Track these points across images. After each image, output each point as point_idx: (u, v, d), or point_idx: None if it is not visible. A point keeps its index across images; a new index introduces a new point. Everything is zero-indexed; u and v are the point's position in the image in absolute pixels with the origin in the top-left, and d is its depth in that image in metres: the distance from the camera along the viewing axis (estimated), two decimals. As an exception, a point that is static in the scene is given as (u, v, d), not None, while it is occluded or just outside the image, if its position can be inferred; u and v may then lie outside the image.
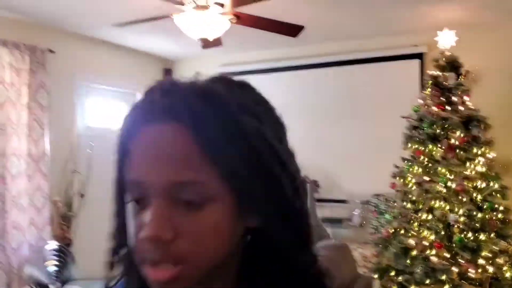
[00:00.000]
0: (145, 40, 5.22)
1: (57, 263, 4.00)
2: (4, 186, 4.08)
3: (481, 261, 3.45)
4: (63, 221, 4.56)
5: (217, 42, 3.84)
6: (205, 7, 3.16)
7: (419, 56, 4.83)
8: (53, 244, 3.87)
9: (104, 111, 5.52)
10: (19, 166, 4.19)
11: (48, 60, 4.49)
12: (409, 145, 3.91)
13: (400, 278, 3.73)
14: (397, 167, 3.99)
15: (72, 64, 4.93)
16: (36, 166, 4.33)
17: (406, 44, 4.87)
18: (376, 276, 3.84)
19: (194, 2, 3.14)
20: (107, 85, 5.44)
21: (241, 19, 3.36)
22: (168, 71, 6.27)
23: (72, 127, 4.92)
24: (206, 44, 3.82)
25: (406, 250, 3.74)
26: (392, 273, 3.80)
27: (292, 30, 3.48)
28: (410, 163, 3.90)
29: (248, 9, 3.37)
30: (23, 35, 4.34)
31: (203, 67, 5.42)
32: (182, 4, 3.15)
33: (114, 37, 5.09)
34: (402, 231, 3.79)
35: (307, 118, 5.37)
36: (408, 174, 3.86)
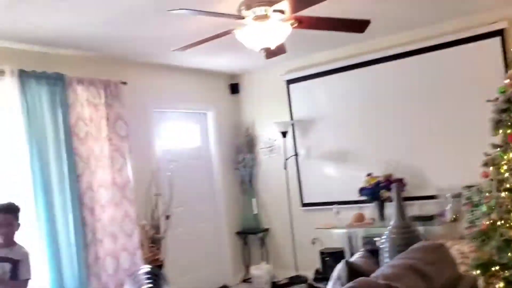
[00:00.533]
0: (209, 58, 5.29)
1: (151, 285, 4.10)
2: (95, 217, 4.27)
3: None
4: (153, 244, 4.69)
5: (280, 50, 3.80)
6: (265, 17, 3.13)
7: (499, 33, 4.48)
8: (145, 268, 3.97)
9: (179, 133, 5.66)
10: (106, 196, 4.37)
11: (121, 91, 4.67)
12: (499, 130, 3.60)
13: (506, 272, 3.43)
14: (488, 154, 3.69)
15: (144, 92, 5.10)
16: (122, 194, 4.50)
17: (483, 23, 4.53)
18: (477, 272, 3.57)
19: (253, 13, 3.12)
20: (179, 108, 5.58)
21: (303, 23, 3.28)
22: (234, 86, 6.31)
23: (151, 152, 5.07)
24: (270, 53, 3.79)
25: (509, 242, 3.45)
26: (496, 268, 3.51)
27: (358, 25, 3.36)
28: (502, 149, 3.59)
29: (308, 12, 3.29)
30: (96, 71, 4.55)
31: (269, 77, 5.46)
32: (242, 17, 3.14)
33: (180, 60, 5.21)
34: (502, 222, 3.50)
35: (385, 114, 5.18)
36: (502, 162, 3.56)
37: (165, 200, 4.98)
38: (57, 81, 4.13)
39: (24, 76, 3.90)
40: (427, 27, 4.84)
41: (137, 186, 4.68)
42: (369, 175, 4.95)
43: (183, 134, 5.73)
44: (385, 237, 2.76)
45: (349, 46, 5.37)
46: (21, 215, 3.29)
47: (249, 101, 6.28)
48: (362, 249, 2.83)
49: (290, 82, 5.87)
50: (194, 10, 2.74)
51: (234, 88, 6.31)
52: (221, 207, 5.97)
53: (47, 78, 4.07)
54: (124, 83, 4.75)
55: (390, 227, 2.83)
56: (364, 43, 5.25)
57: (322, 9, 3.34)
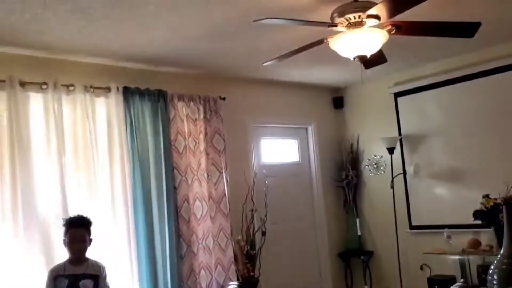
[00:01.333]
0: (310, 72, 5.15)
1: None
2: (191, 229, 4.31)
3: None
4: (247, 260, 4.61)
5: (380, 59, 3.53)
6: (359, 24, 2.91)
7: None
8: (235, 284, 3.90)
9: (278, 148, 5.56)
10: (202, 209, 4.40)
11: (220, 107, 4.72)
12: None
13: None
14: None
15: (243, 107, 5.10)
16: (217, 208, 4.50)
17: None
18: None
19: (347, 20, 2.92)
20: (278, 122, 5.49)
21: (402, 29, 3.00)
22: (337, 100, 6.08)
23: (247, 167, 5.04)
24: (368, 63, 3.53)
25: None
26: None
27: (466, 29, 2.98)
28: None
29: (408, 17, 3.00)
30: (196, 87, 4.65)
31: (375, 90, 5.13)
32: (335, 25, 2.95)
33: (279, 75, 5.14)
34: None
35: (504, 128, 4.60)
36: None
37: (261, 216, 4.89)
38: (159, 97, 4.29)
39: (128, 92, 4.10)
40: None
41: (233, 201, 4.66)
42: (485, 196, 4.38)
43: (283, 149, 5.63)
44: (493, 267, 2.35)
45: (462, 55, 4.88)
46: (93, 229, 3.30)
47: (354, 116, 6.00)
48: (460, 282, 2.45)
49: (398, 95, 5.49)
50: (281, 18, 2.63)
51: (338, 102, 6.08)
52: (321, 226, 5.73)
53: (150, 95, 4.24)
54: (223, 98, 4.79)
55: (500, 256, 2.41)
56: (480, 52, 4.74)
57: (426, 15, 3.05)
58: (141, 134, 4.14)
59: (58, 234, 3.39)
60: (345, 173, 5.83)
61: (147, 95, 4.23)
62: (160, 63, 4.28)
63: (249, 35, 3.69)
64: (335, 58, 4.51)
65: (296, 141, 5.77)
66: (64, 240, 3.17)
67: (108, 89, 4.01)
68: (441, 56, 4.93)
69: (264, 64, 3.44)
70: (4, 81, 3.46)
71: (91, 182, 3.78)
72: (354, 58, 3.01)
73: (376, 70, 5.08)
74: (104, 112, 4.00)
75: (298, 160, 5.76)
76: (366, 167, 5.79)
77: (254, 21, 2.65)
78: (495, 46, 4.60)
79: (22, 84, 3.55)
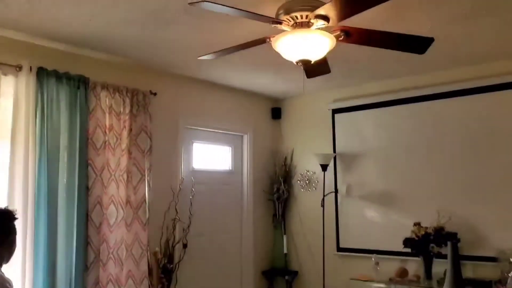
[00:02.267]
0: (250, 78, 4.87)
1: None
2: (101, 236, 3.85)
3: None
4: (163, 274, 4.20)
5: (323, 69, 3.30)
6: (306, 24, 2.65)
7: None
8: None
9: (210, 154, 5.21)
10: (117, 214, 3.95)
11: (150, 102, 4.31)
12: None
13: None
14: None
15: (175, 106, 4.72)
16: (135, 214, 4.06)
17: None
18: None
19: (293, 19, 2.65)
20: (213, 127, 5.15)
21: (351, 36, 2.77)
22: (276, 110, 5.85)
23: (175, 172, 4.64)
24: (310, 71, 3.29)
25: None
26: None
27: (418, 44, 2.80)
28: None
29: (357, 22, 2.79)
30: (124, 78, 4.21)
31: (314, 104, 4.91)
32: (280, 22, 2.67)
33: (218, 77, 4.82)
34: None
35: (440, 157, 4.52)
36: None
37: (184, 227, 4.50)
38: (79, 84, 3.81)
39: (43, 74, 3.60)
40: (502, 60, 4.20)
41: (153, 208, 4.24)
42: (417, 224, 4.28)
43: (214, 156, 5.28)
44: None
45: (404, 78, 4.83)
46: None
47: (290, 128, 5.79)
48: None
49: (336, 111, 5.33)
50: (220, 4, 2.30)
51: (276, 113, 5.84)
52: (248, 240, 5.42)
53: (69, 79, 3.75)
54: (154, 93, 4.38)
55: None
56: (421, 76, 4.71)
57: (378, 25, 2.86)
58: (53, 123, 3.64)
59: None
60: (277, 186, 5.59)
61: (66, 79, 3.74)
62: (83, 46, 3.81)
63: (187, 26, 3.34)
64: (276, 65, 4.33)
65: (230, 148, 5.45)
66: None
67: (19, 68, 3.49)
68: (384, 76, 4.84)
69: (199, 58, 3.10)
70: None
71: (-16, 173, 3.24)
72: (297, 62, 2.74)
73: (316, 84, 4.96)
74: (11, 94, 3.48)
75: (231, 168, 5.43)
76: (298, 182, 5.59)
77: (189, 3, 2.31)
78: (438, 70, 4.56)
79: None
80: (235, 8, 2.39)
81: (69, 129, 3.72)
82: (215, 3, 2.28)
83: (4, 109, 3.44)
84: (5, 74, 3.44)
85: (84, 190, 3.78)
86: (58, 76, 3.70)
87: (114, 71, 4.19)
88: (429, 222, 4.24)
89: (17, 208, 3.31)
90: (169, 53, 4.00)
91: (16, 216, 2.47)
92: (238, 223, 5.40)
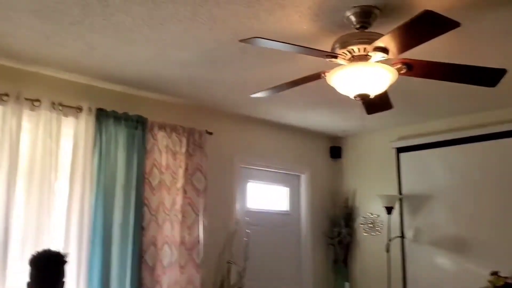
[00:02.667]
0: (306, 115, 4.74)
1: None
2: (155, 279, 3.77)
3: None
4: (217, 320, 4.03)
5: (384, 104, 3.11)
6: (364, 57, 2.50)
7: None
8: None
9: (266, 194, 5.07)
10: (171, 256, 3.86)
11: (206, 142, 4.28)
12: None
13: None
14: None
15: (230, 145, 4.66)
16: (189, 256, 3.96)
17: None
18: None
19: (350, 52, 2.51)
20: (267, 167, 5.02)
21: (414, 69, 2.59)
22: (335, 149, 5.64)
23: (229, 212, 4.53)
24: (370, 107, 3.11)
25: None
26: None
27: (489, 76, 2.56)
28: None
29: (421, 56, 2.61)
30: (180, 117, 4.23)
31: (376, 143, 4.65)
32: (335, 56, 2.54)
33: (274, 115, 4.73)
34: None
35: (509, 197, 4.12)
36: None
37: (239, 270, 4.34)
38: (137, 124, 3.85)
39: (102, 115, 3.68)
40: None
41: (207, 249, 4.12)
42: (494, 273, 3.85)
43: (271, 196, 5.13)
44: None
45: (474, 114, 4.50)
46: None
47: (351, 168, 5.54)
48: None
49: (400, 150, 5.05)
50: (272, 40, 2.22)
51: (335, 152, 5.63)
52: (306, 287, 5.13)
53: (127, 120, 3.80)
54: (210, 133, 4.35)
55: None
56: (492, 112, 4.37)
57: (441, 58, 2.65)
58: (111, 163, 3.68)
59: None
60: (338, 229, 5.31)
61: (124, 120, 3.79)
62: (141, 87, 3.87)
63: (240, 65, 3.30)
64: (334, 102, 4.18)
65: (287, 189, 5.28)
66: (29, 283, 2.51)
67: (79, 109, 3.58)
68: (451, 112, 4.55)
69: (251, 96, 3.02)
70: (-44, 86, 3.04)
71: (43, 212, 3.28)
72: (355, 97, 2.58)
73: (378, 121, 4.73)
74: (71, 134, 3.55)
75: (287, 210, 5.24)
76: (361, 225, 5.28)
77: (240, 40, 2.24)
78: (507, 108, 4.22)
79: (-22, 92, 3.13)
80: (288, 43, 2.30)
81: (126, 168, 3.73)
82: (266, 39, 2.19)
83: (64, 149, 3.51)
84: (66, 116, 3.53)
85: (139, 229, 3.74)
86: (117, 117, 3.76)
87: (171, 111, 4.22)
88: (508, 270, 3.82)
89: (72, 246, 3.33)
90: (224, 92, 3.97)
91: (67, 260, 2.53)
92: (296, 267, 5.15)
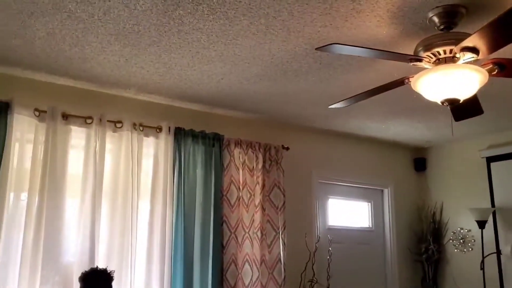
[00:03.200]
0: (387, 127, 4.52)
1: None
2: (236, 297, 3.71)
3: None
4: None
5: (474, 110, 2.86)
6: (450, 59, 2.32)
7: None
8: None
9: (346, 211, 4.88)
10: (252, 274, 3.79)
11: (282, 157, 4.20)
12: None
13: None
14: None
15: (308, 160, 4.55)
16: (270, 275, 3.88)
17: None
18: None
19: (435, 55, 2.34)
20: (348, 181, 4.84)
21: (506, 68, 2.35)
22: (419, 161, 5.33)
23: (310, 229, 4.40)
24: (459, 113, 2.88)
25: None
26: None
27: None
28: None
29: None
30: (256, 133, 4.20)
31: (463, 153, 4.33)
32: (420, 60, 2.37)
33: (352, 127, 4.55)
34: None
35: None
36: None
37: (321, 289, 4.18)
38: (214, 142, 3.87)
39: (180, 134, 3.73)
40: None
41: (289, 268, 4.02)
42: None
43: (352, 212, 4.93)
44: None
45: None
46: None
47: (438, 180, 5.20)
48: None
49: (491, 160, 4.68)
50: (350, 45, 2.11)
51: (420, 164, 5.33)
52: (393, 307, 4.85)
53: (204, 138, 3.83)
54: (286, 148, 4.27)
55: None
56: None
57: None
58: (190, 181, 3.71)
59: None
60: (425, 246, 4.99)
61: (201, 138, 3.82)
62: (216, 105, 3.89)
63: (315, 76, 3.20)
64: (417, 110, 3.95)
65: (369, 204, 5.05)
66: None
67: (159, 129, 3.65)
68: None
69: (330, 107, 2.91)
70: (45, 111, 3.20)
71: (126, 230, 3.35)
72: (443, 103, 2.39)
73: (466, 129, 4.40)
74: (152, 154, 3.63)
75: (370, 226, 5.01)
76: (451, 241, 4.93)
77: (316, 49, 2.15)
78: None
79: (65, 116, 3.28)
80: (367, 48, 2.18)
81: (204, 186, 3.75)
82: (345, 44, 2.09)
83: (146, 169, 3.59)
84: (146, 136, 3.62)
85: (219, 247, 3.72)
86: (194, 135, 3.79)
87: (247, 127, 4.20)
88: None
89: (155, 263, 3.38)
90: (300, 105, 3.89)
91: (113, 276, 2.83)
92: (381, 285, 4.89)
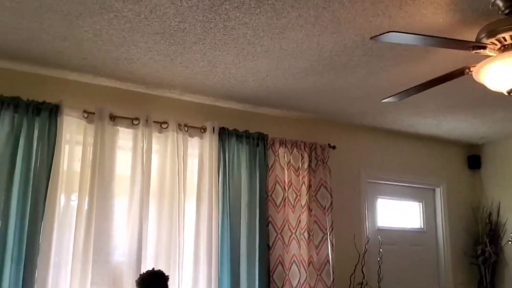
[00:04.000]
0: (440, 122, 4.31)
1: None
2: (284, 299, 3.62)
3: None
4: None
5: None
6: (517, 45, 2.15)
7: None
8: None
9: (396, 211, 4.70)
10: (299, 276, 3.69)
11: (329, 156, 4.08)
12: None
13: None
14: None
15: (356, 159, 4.40)
16: (318, 277, 3.76)
17: None
18: None
19: (499, 41, 2.18)
20: (397, 181, 4.65)
21: None
22: (473, 159, 5.08)
23: (358, 230, 4.25)
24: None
25: None
26: None
27: None
28: None
29: None
30: (301, 132, 4.10)
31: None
32: (484, 47, 2.22)
33: (402, 124, 4.37)
34: None
35: None
36: None
37: (372, 292, 4.03)
38: (258, 141, 3.79)
39: (224, 134, 3.68)
40: None
41: (337, 269, 3.88)
42: None
43: (401, 212, 4.74)
44: None
45: None
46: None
47: (493, 179, 4.93)
48: None
49: (554, 155, 4.39)
50: (407, 33, 1.98)
51: (474, 162, 5.06)
52: (448, 311, 4.63)
53: (248, 138, 3.76)
54: (333, 147, 4.15)
55: None
56: None
57: None
58: (234, 181, 3.65)
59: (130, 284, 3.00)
60: (481, 248, 4.73)
61: (245, 137, 3.76)
62: (260, 104, 3.82)
63: (365, 69, 3.07)
64: (471, 103, 3.73)
65: (420, 204, 4.84)
66: None
67: (203, 129, 3.61)
68: None
69: (382, 101, 2.78)
70: (93, 113, 3.22)
71: (173, 231, 3.32)
72: (509, 92, 2.23)
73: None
74: (196, 154, 3.60)
75: (422, 227, 4.80)
76: (510, 243, 4.65)
77: (371, 38, 2.04)
78: None
79: (113, 117, 3.29)
80: (426, 36, 2.04)
81: (249, 186, 3.68)
82: (402, 32, 1.96)
83: (191, 170, 3.56)
84: (191, 136, 3.58)
85: (265, 248, 3.64)
86: (238, 135, 3.73)
87: (291, 126, 4.11)
88: None
89: (202, 264, 3.35)
90: (348, 101, 3.76)
91: (168, 278, 2.83)
92: (435, 289, 4.68)
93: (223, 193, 3.57)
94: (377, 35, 1.99)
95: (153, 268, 2.90)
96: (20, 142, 2.95)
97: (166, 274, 2.85)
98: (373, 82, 3.29)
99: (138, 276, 2.86)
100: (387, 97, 2.69)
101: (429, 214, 4.84)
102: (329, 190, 3.99)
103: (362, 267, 4.03)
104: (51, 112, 3.07)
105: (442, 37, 2.09)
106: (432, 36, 2.05)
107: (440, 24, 2.41)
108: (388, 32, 1.94)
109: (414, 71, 3.03)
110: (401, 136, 4.68)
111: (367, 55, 2.84)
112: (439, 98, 3.57)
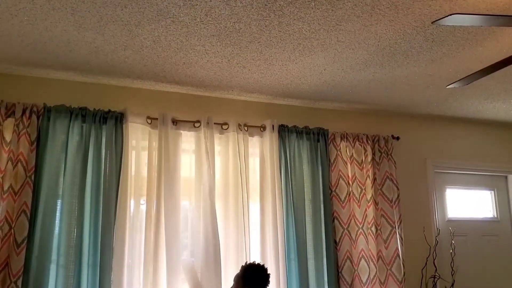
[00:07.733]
0: (510, 106, 4.08)
1: None
2: (354, 294, 3.57)
3: None
4: None
5: None
6: None
7: None
8: None
9: (466, 201, 4.50)
10: (369, 271, 3.62)
11: (393, 148, 3.98)
12: None
13: None
14: None
15: (421, 149, 4.26)
16: (388, 271, 3.68)
17: None
18: None
19: None
20: (466, 169, 4.46)
21: None
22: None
23: (428, 222, 4.11)
24: None
25: None
26: None
27: None
28: None
29: None
30: (362, 125, 4.03)
31: None
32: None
33: (469, 110, 4.17)
34: None
35: None
36: None
37: (446, 285, 3.88)
38: (319, 137, 3.77)
39: (284, 131, 3.67)
40: None
41: (408, 263, 3.79)
42: None
43: (471, 202, 4.53)
44: None
45: None
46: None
47: None
48: None
49: None
50: (471, 14, 1.88)
51: (549, 145, 4.76)
52: (530, 304, 4.38)
53: (308, 133, 3.74)
54: (396, 138, 4.04)
55: None
56: None
57: None
58: (296, 178, 3.63)
59: (205, 280, 3.11)
60: None
61: (306, 133, 3.74)
62: (318, 99, 3.78)
63: (426, 56, 2.96)
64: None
65: (492, 192, 4.61)
66: None
67: (263, 128, 3.63)
68: None
69: (447, 87, 2.66)
70: (156, 118, 3.32)
71: (239, 230, 3.36)
72: None
73: None
74: (258, 153, 3.62)
75: (495, 216, 4.57)
76: None
77: (433, 22, 1.96)
78: None
79: (175, 121, 3.38)
80: (492, 15, 1.94)
81: (311, 182, 3.65)
82: (466, 13, 1.87)
83: (253, 169, 3.59)
84: (251, 136, 3.61)
85: (332, 244, 3.60)
86: (298, 132, 3.72)
87: (352, 119, 4.04)
88: None
89: (270, 262, 3.37)
90: (410, 90, 3.64)
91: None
92: (514, 282, 4.44)
93: (286, 190, 3.57)
94: (439, 19, 1.90)
95: (255, 261, 2.93)
96: (89, 151, 3.09)
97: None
98: (436, 69, 3.16)
99: (239, 270, 2.88)
100: (452, 83, 2.58)
101: (502, 203, 4.60)
102: (395, 182, 3.89)
103: (434, 260, 3.91)
104: (116, 120, 3.20)
105: (508, 15, 1.97)
106: (497, 15, 1.93)
107: (506, 2, 2.28)
108: (451, 14, 1.85)
109: (479, 55, 2.88)
110: (467, 123, 4.49)
111: (429, 41, 2.73)
112: (507, 80, 3.38)
